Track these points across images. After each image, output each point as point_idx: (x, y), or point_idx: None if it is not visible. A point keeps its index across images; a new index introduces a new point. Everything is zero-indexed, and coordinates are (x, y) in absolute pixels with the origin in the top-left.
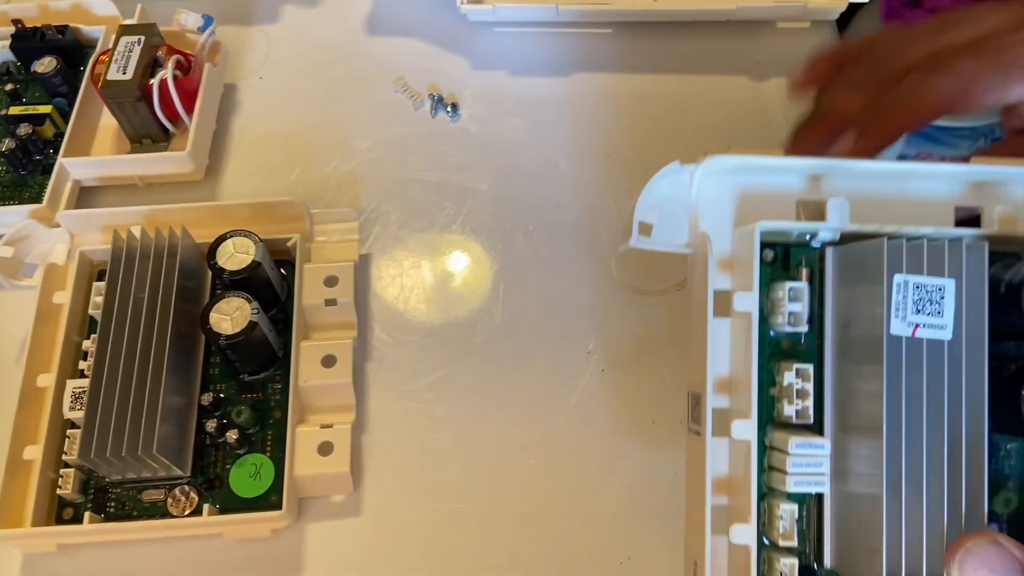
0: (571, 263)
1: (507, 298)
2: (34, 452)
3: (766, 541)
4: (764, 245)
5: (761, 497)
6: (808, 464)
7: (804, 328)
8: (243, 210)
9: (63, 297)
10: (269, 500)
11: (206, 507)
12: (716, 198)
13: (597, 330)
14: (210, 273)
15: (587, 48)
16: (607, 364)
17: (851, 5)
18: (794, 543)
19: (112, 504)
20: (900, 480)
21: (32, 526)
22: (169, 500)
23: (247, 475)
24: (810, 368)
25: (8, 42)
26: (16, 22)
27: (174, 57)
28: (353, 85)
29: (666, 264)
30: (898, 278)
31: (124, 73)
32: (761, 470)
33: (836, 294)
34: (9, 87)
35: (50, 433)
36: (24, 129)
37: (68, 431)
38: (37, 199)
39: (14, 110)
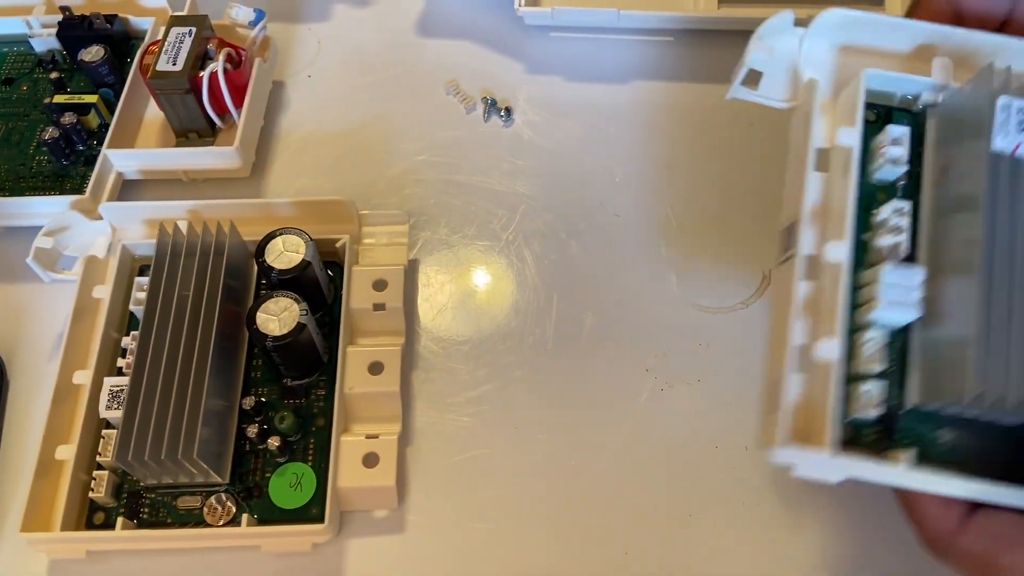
0: (628, 276)
1: (560, 310)
2: (67, 452)
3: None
4: (867, 106)
5: (849, 332)
6: (900, 291)
7: (903, 169)
8: (291, 208)
9: (103, 291)
10: (310, 512)
11: (244, 517)
12: (822, 61)
13: (656, 348)
14: (255, 273)
15: (647, 55)
16: (667, 383)
17: None
18: (878, 366)
19: (146, 510)
20: (1004, 312)
21: (61, 530)
22: (205, 508)
23: (287, 485)
24: (907, 205)
25: (55, 30)
26: (64, 9)
27: (225, 50)
28: (403, 87)
29: (730, 281)
30: (1003, 99)
31: (174, 64)
32: (851, 304)
33: (936, 148)
34: (54, 75)
35: (84, 433)
36: (68, 118)
37: (103, 431)
38: (79, 190)
39: (59, 98)
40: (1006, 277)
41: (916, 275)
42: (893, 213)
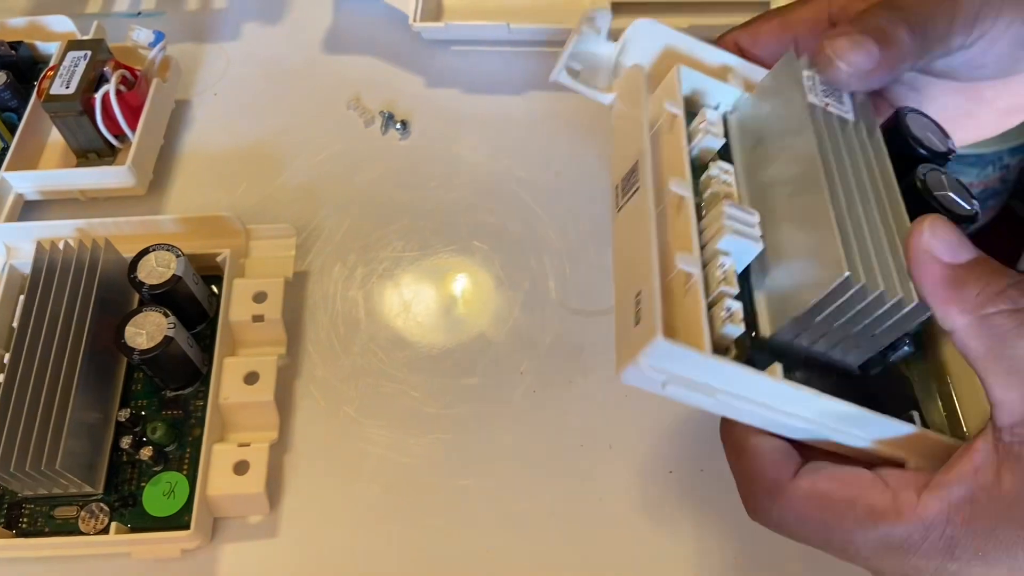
0: (512, 283)
1: (444, 319)
2: None
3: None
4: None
5: (701, 263)
6: (742, 223)
7: (722, 141)
8: (175, 225)
9: None
10: (182, 520)
11: (113, 525)
12: (645, 54)
13: (532, 351)
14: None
15: (542, 67)
16: (539, 385)
17: None
18: (734, 288)
19: (24, 520)
20: (842, 212)
21: None
22: (81, 517)
23: (161, 493)
24: (730, 166)
25: None
26: None
27: (119, 72)
28: (307, 103)
29: (606, 286)
30: (806, 72)
31: (67, 88)
32: (699, 237)
33: (740, 134)
34: None
35: None
36: None
37: None
38: None
39: None
40: (840, 193)
41: (753, 215)
42: (720, 171)
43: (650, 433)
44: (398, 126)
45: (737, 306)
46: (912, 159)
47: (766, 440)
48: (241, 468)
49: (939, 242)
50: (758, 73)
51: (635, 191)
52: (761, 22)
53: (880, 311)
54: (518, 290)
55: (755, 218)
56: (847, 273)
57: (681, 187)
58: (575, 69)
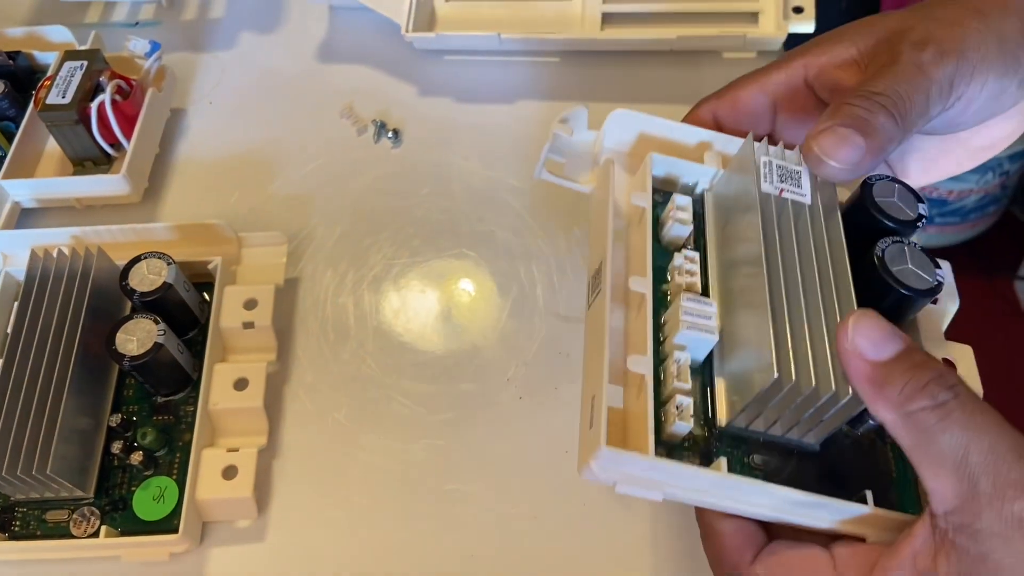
0: (500, 290)
1: (433, 325)
2: None
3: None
4: (655, 190)
5: (657, 360)
6: (698, 316)
7: (690, 228)
8: (167, 232)
9: None
10: (171, 524)
11: (103, 529)
12: (619, 145)
13: (519, 358)
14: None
15: (533, 76)
16: (525, 392)
17: (791, 36)
18: (687, 383)
19: (17, 523)
20: (782, 303)
21: None
22: (72, 521)
23: (151, 498)
24: (696, 255)
25: None
26: None
27: (114, 82)
28: (301, 112)
29: None
30: (763, 158)
31: (63, 97)
32: (656, 332)
33: (715, 215)
34: None
35: None
36: None
37: None
38: None
39: None
40: (781, 283)
41: (710, 306)
42: (685, 260)
43: None
44: (390, 135)
45: (687, 402)
46: (879, 231)
47: (730, 523)
48: (230, 473)
49: (863, 340)
50: (736, 146)
51: (598, 293)
52: (737, 88)
53: (819, 403)
54: (507, 297)
55: (711, 309)
56: (775, 375)
57: (641, 285)
58: (558, 161)
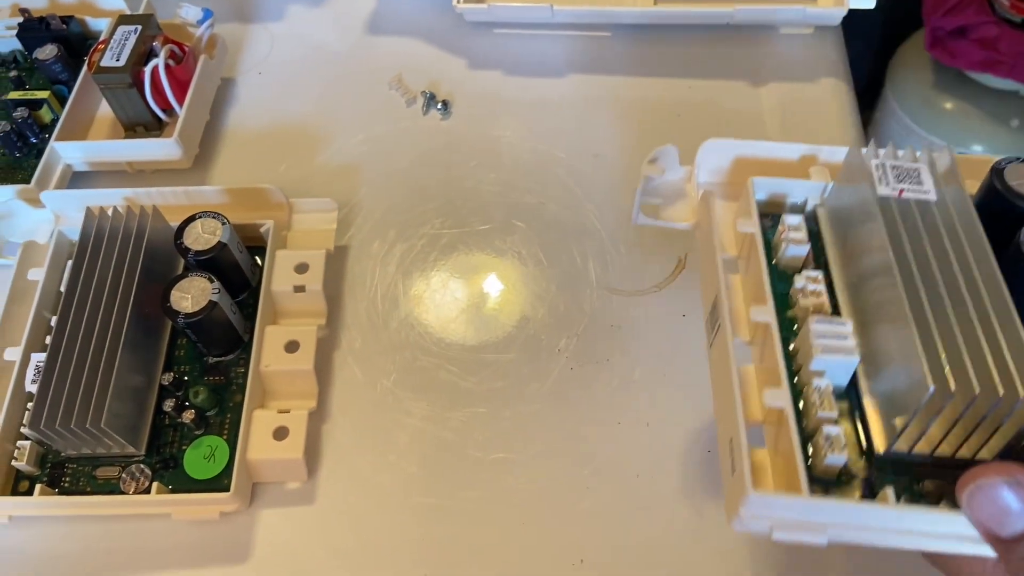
0: (547, 263)
1: (481, 295)
2: None
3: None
4: (763, 215)
5: (794, 390)
6: (833, 338)
7: (806, 248)
8: (220, 196)
9: (38, 274)
10: (222, 483)
11: (155, 486)
12: (716, 172)
13: (570, 329)
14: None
15: (584, 50)
16: (577, 363)
17: (851, 11)
18: (833, 411)
19: (67, 479)
20: (924, 311)
21: None
22: (123, 478)
23: (202, 457)
24: (819, 273)
25: (16, 31)
26: (23, 11)
27: (168, 47)
28: (349, 83)
29: (647, 266)
30: (874, 161)
31: (118, 60)
32: (789, 363)
33: (832, 231)
34: (13, 74)
35: (12, 405)
36: (19, 113)
37: (28, 404)
38: (29, 181)
39: (13, 94)
40: (920, 290)
41: (844, 325)
42: (807, 280)
43: (689, 413)
44: (440, 106)
45: (836, 432)
46: (1018, 218)
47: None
48: (280, 434)
49: (980, 515)
50: (842, 156)
51: (718, 329)
52: None
53: (988, 412)
54: (557, 269)
55: (847, 328)
56: (931, 389)
57: (763, 314)
58: (654, 204)
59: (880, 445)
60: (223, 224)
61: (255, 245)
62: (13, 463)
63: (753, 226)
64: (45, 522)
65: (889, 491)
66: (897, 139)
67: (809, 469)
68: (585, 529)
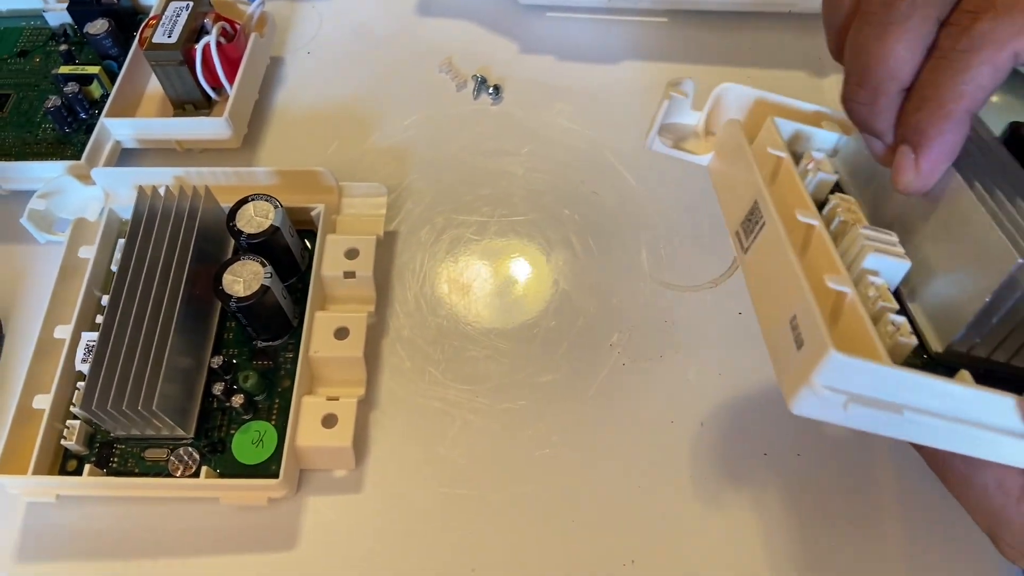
0: (599, 254)
1: (531, 285)
2: (44, 402)
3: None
4: None
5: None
6: (882, 243)
7: (835, 176)
8: (270, 177)
9: (89, 252)
10: (270, 469)
11: (204, 469)
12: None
13: (623, 324)
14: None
15: (639, 36)
16: (629, 359)
17: None
18: (893, 304)
19: (115, 460)
20: (991, 204)
21: (33, 474)
22: (171, 460)
23: (250, 442)
24: (851, 197)
25: (67, 4)
26: None
27: (219, 24)
28: (399, 65)
29: (702, 262)
30: None
31: (169, 37)
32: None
33: (852, 175)
34: (63, 48)
35: (61, 384)
36: (70, 88)
37: (78, 383)
38: (79, 157)
39: (63, 69)
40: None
41: (890, 235)
42: (842, 200)
43: (744, 413)
44: (491, 91)
45: (902, 319)
46: None
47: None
48: (329, 421)
49: None
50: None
51: (761, 227)
52: None
53: None
54: (610, 261)
55: (894, 237)
56: (1020, 260)
57: (809, 217)
58: (666, 140)
59: (937, 345)
60: (276, 207)
61: (303, 228)
62: (62, 442)
63: (783, 150)
64: (92, 502)
65: (966, 373)
66: None
67: None
68: (636, 529)
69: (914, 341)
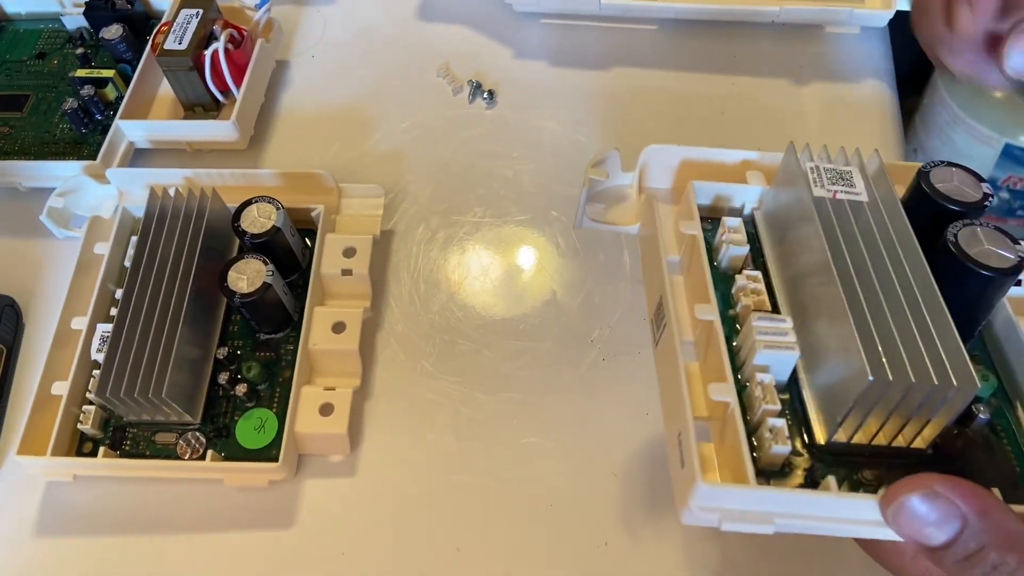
0: (583, 254)
1: (519, 283)
2: (61, 388)
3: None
4: (704, 219)
5: (737, 388)
6: (774, 334)
7: (745, 249)
8: (274, 179)
9: (104, 248)
10: (271, 453)
11: (210, 453)
12: (662, 175)
13: (603, 321)
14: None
15: (629, 43)
16: (609, 354)
17: (899, 12)
18: (775, 404)
19: (128, 443)
20: (861, 305)
21: (52, 455)
22: (179, 444)
23: (252, 428)
24: (757, 273)
25: (83, 9)
26: None
27: (227, 31)
28: (399, 68)
29: None
30: (808, 164)
31: (180, 43)
32: (732, 360)
33: (769, 232)
34: (80, 51)
35: (78, 371)
36: (87, 90)
37: (94, 371)
38: (94, 157)
39: (80, 72)
40: (856, 286)
41: (784, 322)
42: (747, 279)
43: None
44: (485, 95)
45: (780, 423)
46: (946, 217)
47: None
48: (326, 410)
49: (908, 529)
50: (778, 161)
51: (664, 327)
52: None
53: (922, 401)
54: (593, 261)
55: (787, 324)
56: (870, 379)
57: (707, 312)
58: (599, 208)
59: (821, 436)
60: (278, 209)
61: (304, 227)
62: (79, 426)
63: (695, 228)
64: (106, 482)
65: (831, 480)
66: (944, 127)
67: (754, 461)
68: (610, 513)
69: (787, 448)
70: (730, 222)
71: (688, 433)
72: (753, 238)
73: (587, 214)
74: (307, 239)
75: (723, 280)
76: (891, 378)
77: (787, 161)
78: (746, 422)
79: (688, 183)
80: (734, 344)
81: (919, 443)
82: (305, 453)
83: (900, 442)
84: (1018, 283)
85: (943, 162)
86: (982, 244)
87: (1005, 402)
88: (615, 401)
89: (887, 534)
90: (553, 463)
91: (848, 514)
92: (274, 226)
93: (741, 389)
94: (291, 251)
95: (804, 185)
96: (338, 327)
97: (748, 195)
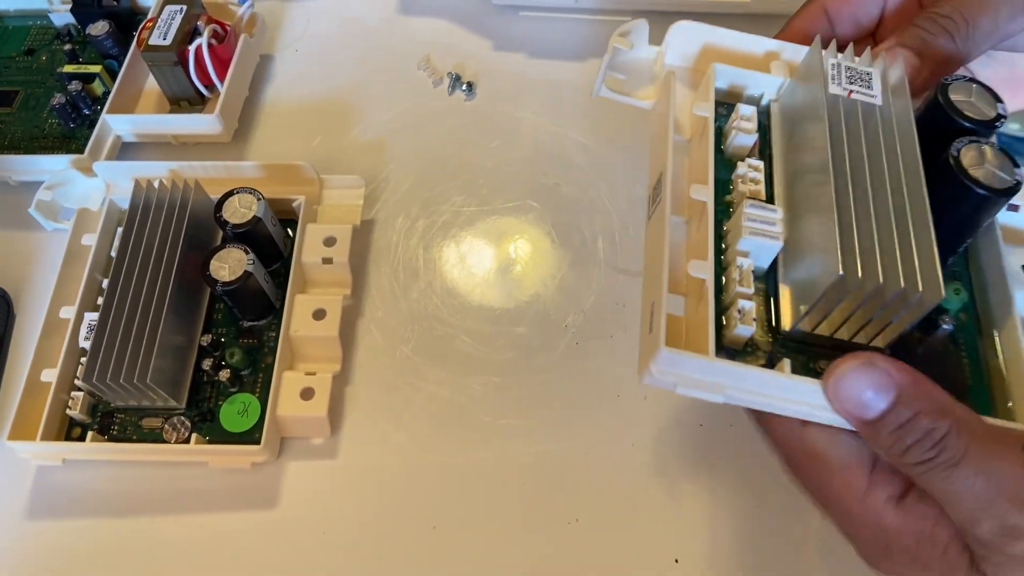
0: (562, 241)
1: (496, 271)
2: (51, 375)
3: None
4: (719, 103)
5: (719, 267)
6: (762, 223)
7: (754, 137)
8: (256, 171)
9: (91, 239)
10: (254, 436)
11: (194, 436)
12: (683, 57)
13: (577, 306)
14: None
15: (606, 35)
16: (582, 338)
17: None
18: (749, 288)
19: (115, 427)
20: (849, 205)
21: (41, 440)
22: (165, 428)
23: (236, 412)
24: (760, 163)
25: (70, 5)
26: None
27: (211, 26)
28: (381, 61)
29: None
30: (831, 60)
31: (164, 39)
32: (719, 239)
33: (781, 125)
34: (67, 47)
35: (66, 359)
36: (74, 86)
37: (82, 358)
38: (82, 151)
39: (67, 68)
40: (848, 186)
41: (774, 212)
42: (749, 168)
43: None
44: (464, 87)
45: (749, 306)
46: (956, 131)
47: (841, 451)
48: (307, 394)
49: (846, 402)
50: (802, 55)
51: (658, 204)
52: None
53: (886, 303)
54: (568, 248)
55: (776, 215)
56: (840, 273)
57: (702, 193)
58: (619, 79)
59: (787, 323)
60: (258, 200)
61: (287, 218)
62: (67, 412)
63: (708, 110)
64: (95, 465)
65: (786, 363)
66: None
67: (719, 338)
68: (582, 491)
69: (751, 329)
70: (744, 109)
71: (661, 303)
72: (765, 130)
73: (605, 84)
74: (289, 229)
75: (726, 166)
76: (860, 275)
77: (812, 56)
78: (720, 300)
79: (710, 65)
80: (724, 228)
81: (879, 342)
82: (287, 436)
83: (861, 339)
84: (1014, 208)
85: (966, 77)
86: (983, 162)
87: (973, 319)
88: (588, 384)
89: (831, 419)
90: (527, 444)
91: (793, 395)
92: (255, 216)
93: (722, 271)
94: (272, 241)
95: (821, 82)
96: (319, 314)
97: (768, 85)
